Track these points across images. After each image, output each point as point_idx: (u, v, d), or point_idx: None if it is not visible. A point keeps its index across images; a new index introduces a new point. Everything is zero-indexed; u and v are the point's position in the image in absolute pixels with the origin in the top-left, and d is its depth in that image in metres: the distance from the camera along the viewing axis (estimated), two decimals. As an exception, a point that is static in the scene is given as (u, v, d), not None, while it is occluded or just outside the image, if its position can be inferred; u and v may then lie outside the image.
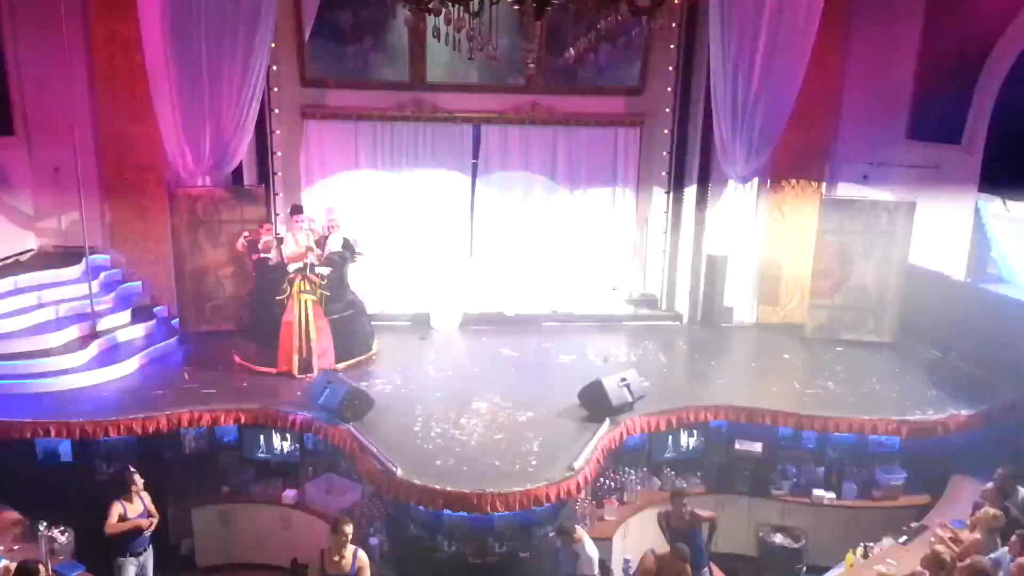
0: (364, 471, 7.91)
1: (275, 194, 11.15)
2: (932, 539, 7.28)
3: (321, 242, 10.00)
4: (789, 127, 10.59)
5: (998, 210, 10.01)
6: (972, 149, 10.22)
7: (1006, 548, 6.64)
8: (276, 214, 11.01)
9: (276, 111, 10.96)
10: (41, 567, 6.20)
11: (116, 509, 7.42)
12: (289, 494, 8.81)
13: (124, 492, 7.52)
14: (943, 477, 8.88)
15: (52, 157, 10.10)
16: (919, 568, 6.77)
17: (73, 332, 9.49)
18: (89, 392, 8.91)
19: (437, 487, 7.38)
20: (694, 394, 9.37)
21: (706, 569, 7.79)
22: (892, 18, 10.71)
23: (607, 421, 8.46)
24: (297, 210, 10.19)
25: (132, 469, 7.62)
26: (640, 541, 8.43)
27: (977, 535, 7.06)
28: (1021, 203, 9.71)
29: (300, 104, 11.13)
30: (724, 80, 10.31)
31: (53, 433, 8.34)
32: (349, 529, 6.75)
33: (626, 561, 8.44)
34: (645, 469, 9.17)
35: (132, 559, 7.54)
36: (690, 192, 11.66)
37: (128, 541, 7.50)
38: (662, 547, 7.48)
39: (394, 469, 7.57)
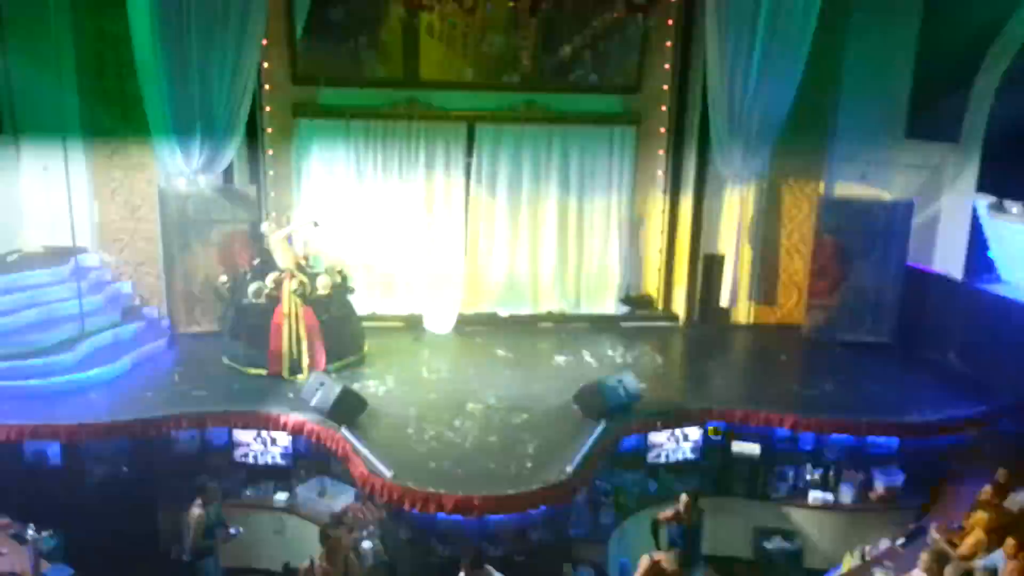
0: (357, 474, 7.84)
1: (266, 193, 11.06)
2: (930, 540, 7.25)
3: (308, 270, 9.91)
4: (786, 126, 10.54)
5: (996, 210, 9.98)
6: (970, 149, 10.19)
7: (1002, 549, 6.62)
8: (268, 213, 10.91)
9: (267, 109, 10.87)
10: None
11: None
12: (281, 497, 8.73)
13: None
14: (941, 478, 8.83)
15: (41, 156, 9.99)
16: (917, 570, 6.74)
17: (62, 333, 9.36)
18: (78, 394, 8.81)
19: (431, 490, 7.33)
20: (691, 395, 9.32)
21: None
22: (890, 16, 10.65)
23: (603, 423, 8.39)
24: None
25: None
26: (636, 543, 8.39)
27: (974, 537, 7.05)
28: (1019, 202, 9.68)
29: (292, 102, 11.03)
30: (721, 78, 10.25)
31: (42, 436, 8.25)
32: (337, 536, 6.68)
33: (622, 564, 8.39)
34: (641, 471, 9.11)
35: None
36: (687, 191, 11.61)
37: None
38: (659, 551, 7.43)
39: (387, 472, 7.50)
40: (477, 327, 11.42)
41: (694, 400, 9.18)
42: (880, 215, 10.75)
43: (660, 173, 11.77)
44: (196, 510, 7.82)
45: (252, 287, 9.60)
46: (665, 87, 11.43)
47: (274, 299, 9.50)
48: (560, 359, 10.44)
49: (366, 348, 10.20)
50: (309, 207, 11.10)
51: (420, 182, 11.42)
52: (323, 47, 10.87)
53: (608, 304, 11.98)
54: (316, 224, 10.20)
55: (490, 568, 6.83)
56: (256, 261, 10.12)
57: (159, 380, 9.29)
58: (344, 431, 8.15)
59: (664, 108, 11.51)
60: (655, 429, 8.86)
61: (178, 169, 10.03)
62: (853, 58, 10.83)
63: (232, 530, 8.13)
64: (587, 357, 10.46)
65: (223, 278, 10.02)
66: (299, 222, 10.36)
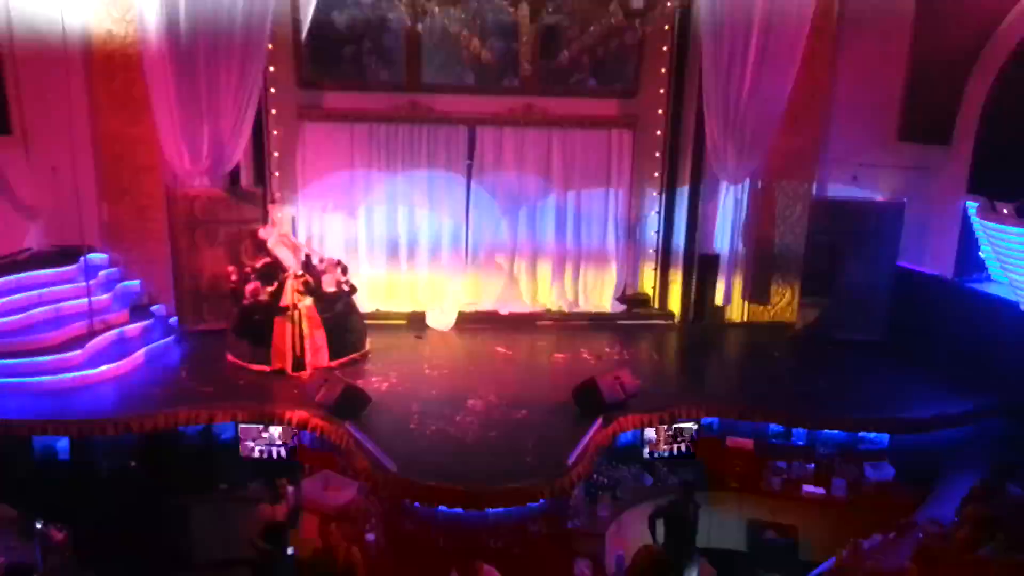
0: (360, 468, 7.97)
1: (271, 195, 11.22)
2: (920, 535, 7.37)
3: (312, 270, 10.11)
4: (780, 128, 10.71)
5: (986, 211, 10.12)
6: (960, 150, 10.34)
7: (993, 545, 6.72)
8: (268, 217, 11.06)
9: (273, 112, 11.03)
10: None
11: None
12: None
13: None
14: (931, 474, 8.97)
15: (50, 156, 10.13)
16: (909, 564, 6.87)
17: (71, 330, 9.51)
18: (87, 390, 8.95)
19: (432, 484, 7.45)
20: (686, 392, 9.44)
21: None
22: (882, 20, 10.82)
23: (600, 418, 8.55)
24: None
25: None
26: (633, 537, 8.52)
27: (965, 532, 7.14)
28: (1009, 204, 9.82)
29: (297, 105, 11.20)
30: (716, 82, 10.42)
31: (51, 431, 8.38)
32: (334, 528, 6.79)
33: (618, 557, 8.52)
34: (638, 466, 9.26)
35: None
36: (682, 192, 11.78)
37: None
38: (655, 544, 7.57)
39: (390, 466, 7.64)
40: (478, 324, 11.58)
41: (689, 396, 9.32)
42: (872, 215, 10.90)
43: (656, 174, 11.94)
44: (267, 508, 7.40)
45: (249, 287, 9.75)
46: (662, 91, 11.60)
47: (275, 302, 9.64)
48: (559, 356, 10.61)
49: (369, 345, 10.37)
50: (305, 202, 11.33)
51: (422, 183, 11.59)
52: (328, 52, 11.05)
53: (605, 302, 12.15)
54: (272, 201, 10.57)
55: (480, 563, 6.97)
56: (261, 263, 10.29)
57: (167, 376, 9.43)
58: (348, 426, 8.31)
59: (660, 111, 11.68)
60: (651, 425, 9.00)
61: (185, 170, 10.19)
62: (846, 60, 10.99)
63: (289, 550, 7.50)
64: (585, 354, 10.64)
65: (233, 277, 10.16)
66: (278, 214, 10.57)
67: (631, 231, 12.21)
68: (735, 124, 10.51)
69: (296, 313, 9.58)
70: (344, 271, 10.34)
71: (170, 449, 9.03)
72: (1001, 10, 9.74)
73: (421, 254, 11.78)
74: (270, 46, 10.29)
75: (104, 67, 10.07)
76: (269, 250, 10.20)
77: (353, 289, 10.34)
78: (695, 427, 9.27)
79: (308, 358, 9.57)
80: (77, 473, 8.74)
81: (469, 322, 11.63)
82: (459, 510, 7.59)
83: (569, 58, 11.30)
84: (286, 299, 9.59)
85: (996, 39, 9.88)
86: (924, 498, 8.74)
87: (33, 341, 9.25)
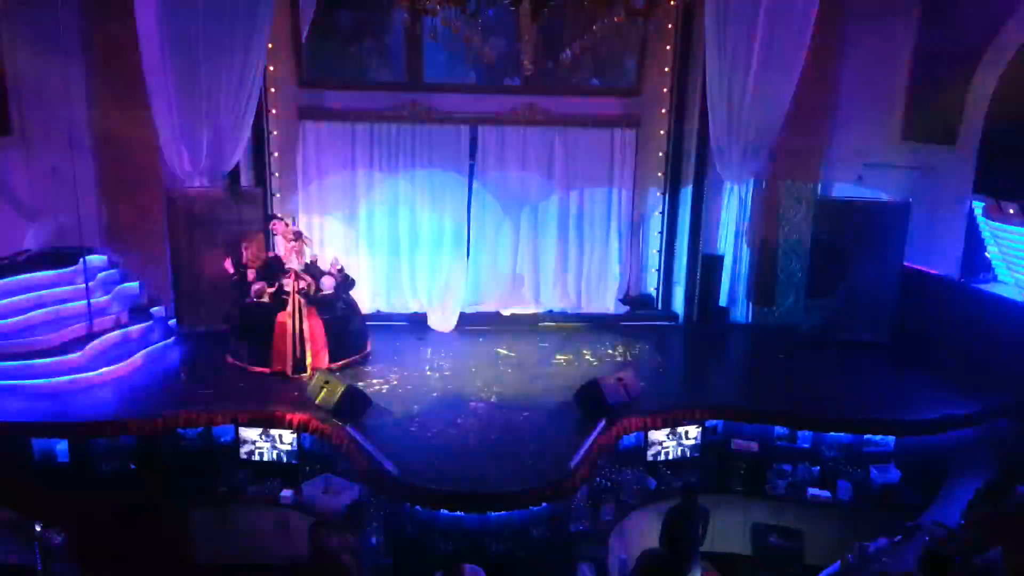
0: (361, 471, 7.93)
1: (272, 195, 11.20)
2: (927, 538, 7.32)
3: (313, 270, 10.07)
4: (784, 128, 10.64)
5: (992, 211, 10.07)
6: (966, 150, 10.27)
7: (1000, 547, 6.67)
8: (274, 214, 11.03)
9: (273, 112, 10.99)
10: None
11: None
12: (286, 494, 8.82)
13: None
14: (938, 476, 8.92)
15: (49, 157, 10.11)
16: (914, 568, 6.81)
17: (70, 332, 9.48)
18: (86, 392, 8.91)
19: (434, 487, 7.41)
20: (690, 394, 9.40)
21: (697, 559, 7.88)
22: (887, 19, 10.77)
23: (603, 421, 8.49)
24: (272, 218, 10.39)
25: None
26: (636, 540, 8.48)
27: (972, 535, 7.09)
28: (1015, 203, 9.76)
29: (297, 105, 11.17)
30: (720, 81, 10.37)
31: (50, 433, 8.36)
32: (325, 533, 6.56)
33: (622, 560, 8.47)
34: (641, 469, 9.20)
35: None
36: (686, 193, 11.72)
37: None
38: (658, 547, 7.52)
39: (391, 469, 7.59)
40: (479, 326, 11.53)
41: (693, 399, 9.26)
42: (877, 216, 10.83)
43: (659, 174, 11.88)
44: (336, 541, 6.94)
45: (255, 287, 9.71)
46: (665, 90, 11.54)
47: (280, 301, 9.60)
48: (561, 357, 10.55)
49: (370, 347, 10.31)
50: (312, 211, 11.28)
51: (423, 183, 11.54)
52: (328, 51, 11.02)
53: (608, 304, 12.09)
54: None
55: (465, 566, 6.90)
56: (260, 263, 10.24)
57: (166, 379, 9.39)
58: (348, 429, 8.26)
59: (664, 111, 11.62)
60: (655, 427, 8.94)
61: (185, 171, 10.14)
62: (850, 60, 10.93)
63: None
64: (587, 356, 10.57)
65: (232, 272, 10.11)
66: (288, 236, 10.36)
67: (634, 231, 12.16)
68: (739, 123, 10.45)
69: (296, 314, 9.52)
70: (336, 265, 10.26)
71: (170, 452, 9.00)
72: (1006, 7, 9.66)
73: (422, 255, 11.74)
74: (270, 45, 10.23)
75: (103, 66, 10.02)
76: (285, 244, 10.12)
77: (348, 278, 10.24)
78: (699, 429, 9.23)
79: (308, 360, 9.52)
80: (76, 475, 8.70)
81: (470, 323, 11.57)
82: (460, 514, 7.54)
83: (571, 57, 11.23)
84: (288, 300, 9.54)
85: (1001, 37, 9.81)
86: (930, 501, 8.71)
87: (32, 343, 9.21)
